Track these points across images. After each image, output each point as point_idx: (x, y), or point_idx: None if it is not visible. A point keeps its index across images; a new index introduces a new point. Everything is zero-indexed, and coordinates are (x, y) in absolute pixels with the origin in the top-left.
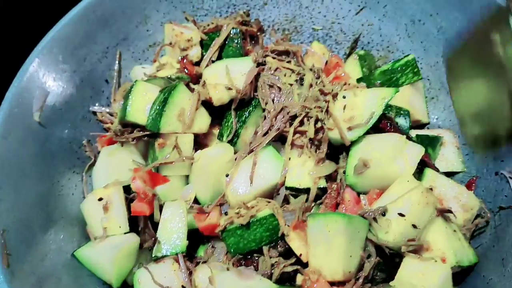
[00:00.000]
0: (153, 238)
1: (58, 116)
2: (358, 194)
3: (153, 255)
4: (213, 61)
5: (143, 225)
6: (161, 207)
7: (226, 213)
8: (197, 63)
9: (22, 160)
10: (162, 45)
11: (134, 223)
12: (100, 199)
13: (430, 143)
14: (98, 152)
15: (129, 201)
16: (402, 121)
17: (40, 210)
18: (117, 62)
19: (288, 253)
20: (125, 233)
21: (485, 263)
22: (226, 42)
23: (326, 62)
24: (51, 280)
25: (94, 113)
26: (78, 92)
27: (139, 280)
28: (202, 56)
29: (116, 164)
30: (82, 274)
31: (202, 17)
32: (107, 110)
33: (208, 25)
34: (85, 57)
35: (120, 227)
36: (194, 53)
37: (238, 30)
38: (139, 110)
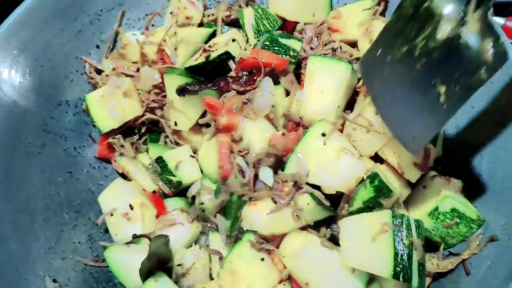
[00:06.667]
0: None
1: (39, 71)
2: None
3: None
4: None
5: None
6: None
7: None
8: None
9: None
10: (155, 14)
11: None
12: None
13: None
14: None
15: None
16: None
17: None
18: (119, 18)
19: None
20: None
21: None
22: None
23: None
24: None
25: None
26: (64, 50)
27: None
28: None
29: None
30: None
31: None
32: (98, 67)
33: (213, 14)
34: (76, 16)
35: None
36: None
37: None
38: None
